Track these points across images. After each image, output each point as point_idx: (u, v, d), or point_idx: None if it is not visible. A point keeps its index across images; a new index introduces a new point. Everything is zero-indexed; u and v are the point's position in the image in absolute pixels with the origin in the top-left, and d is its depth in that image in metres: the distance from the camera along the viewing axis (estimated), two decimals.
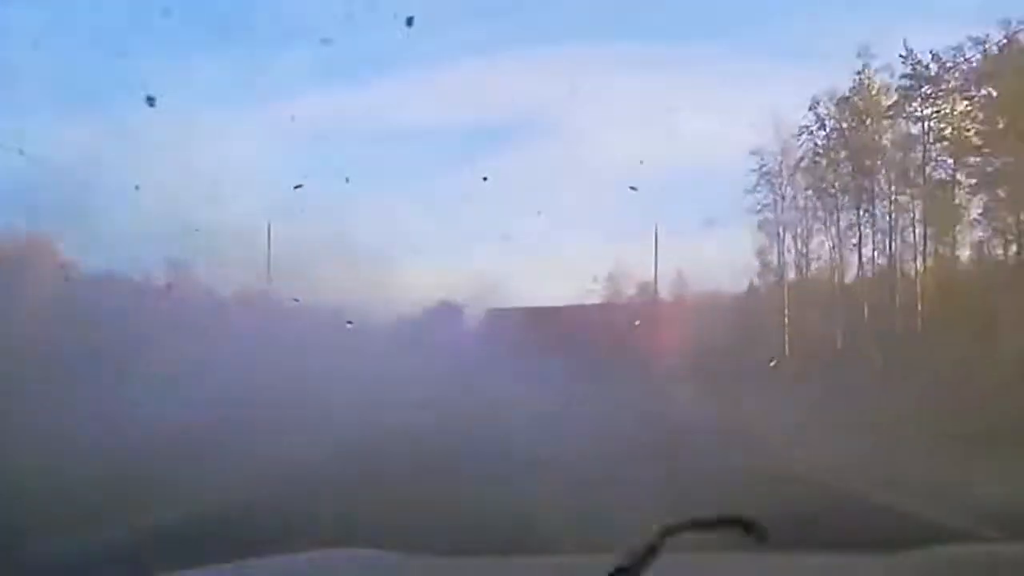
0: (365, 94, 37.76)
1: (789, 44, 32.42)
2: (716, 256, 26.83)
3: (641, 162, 23.35)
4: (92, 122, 24.60)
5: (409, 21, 14.95)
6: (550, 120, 37.90)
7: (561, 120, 39.28)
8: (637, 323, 24.95)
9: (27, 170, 17.37)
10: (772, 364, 21.45)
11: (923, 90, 23.90)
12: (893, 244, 24.89)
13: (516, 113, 39.24)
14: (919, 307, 23.10)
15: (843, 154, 25.86)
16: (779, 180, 26.58)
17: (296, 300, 21.95)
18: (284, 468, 8.98)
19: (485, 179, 24.45)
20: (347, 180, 30.75)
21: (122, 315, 17.44)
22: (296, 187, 21.27)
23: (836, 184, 26.00)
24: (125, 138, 22.01)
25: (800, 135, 25.72)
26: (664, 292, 27.93)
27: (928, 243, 24.48)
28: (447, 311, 25.70)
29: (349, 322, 22.73)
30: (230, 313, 22.13)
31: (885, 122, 24.86)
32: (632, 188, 23.67)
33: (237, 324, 20.16)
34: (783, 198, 26.75)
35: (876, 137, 25.02)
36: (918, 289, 23.52)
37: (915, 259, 24.58)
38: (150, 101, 15.44)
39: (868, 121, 25.04)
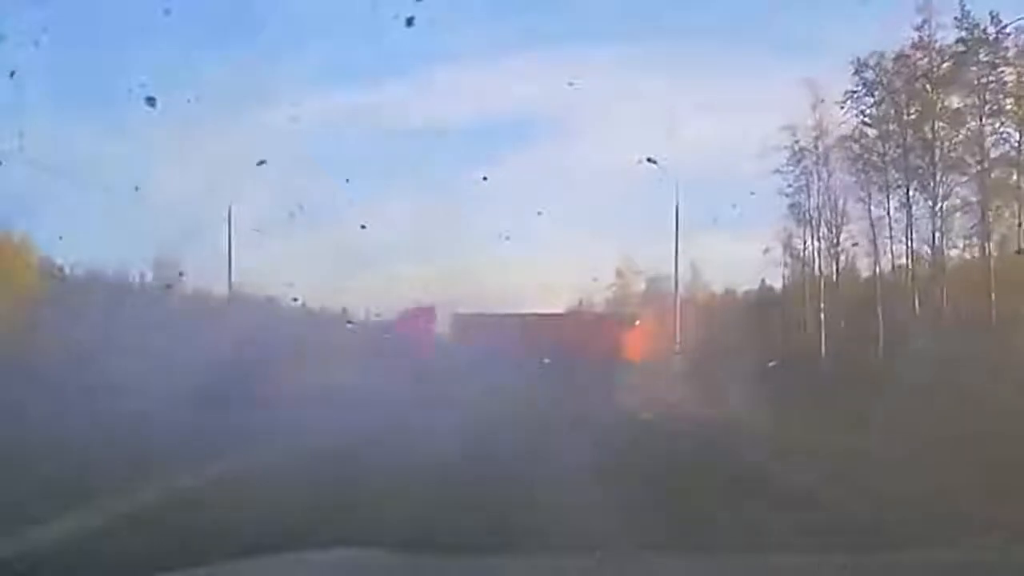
0: (365, 94, 39.55)
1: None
2: (738, 248, 27.03)
3: (648, 156, 24.03)
4: (92, 122, 26.18)
5: (409, 21, 15.60)
6: (551, 119, 38.96)
7: (563, 114, 40.60)
8: (638, 323, 25.40)
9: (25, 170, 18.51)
10: (771, 365, 21.52)
11: (980, 56, 23.74)
12: (946, 227, 24.65)
13: (516, 113, 40.93)
14: (991, 299, 22.65)
15: (892, 127, 25.64)
16: (813, 157, 26.33)
17: (295, 300, 23.59)
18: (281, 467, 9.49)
19: (485, 179, 25.08)
20: (347, 180, 32.27)
21: (119, 315, 18.45)
22: (260, 163, 22.34)
23: (884, 159, 25.70)
24: (125, 138, 23.24)
25: (845, 101, 25.18)
26: (680, 290, 28.05)
27: (990, 226, 24.16)
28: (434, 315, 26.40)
29: (349, 322, 25.08)
30: (222, 314, 23.31)
31: (943, 89, 24.54)
32: (651, 161, 24.36)
33: (227, 324, 21.16)
34: (818, 177, 26.56)
35: (935, 100, 24.63)
36: (987, 279, 23.13)
37: (977, 246, 24.35)
38: (150, 101, 16.26)
39: (926, 84, 24.65)
